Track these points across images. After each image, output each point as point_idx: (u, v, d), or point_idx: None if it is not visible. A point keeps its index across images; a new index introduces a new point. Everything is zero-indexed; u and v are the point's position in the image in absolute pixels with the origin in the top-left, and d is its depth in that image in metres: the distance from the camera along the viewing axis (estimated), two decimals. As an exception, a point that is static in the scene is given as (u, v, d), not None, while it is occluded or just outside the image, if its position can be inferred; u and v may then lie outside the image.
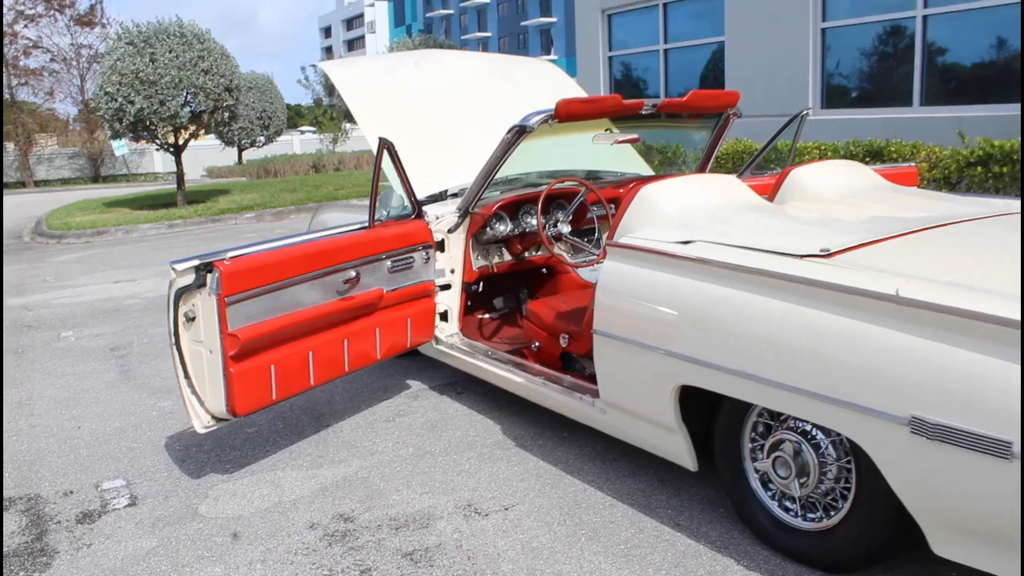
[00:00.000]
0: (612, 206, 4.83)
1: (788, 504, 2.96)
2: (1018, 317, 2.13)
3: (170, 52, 14.23)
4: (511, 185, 4.99)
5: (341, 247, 3.91)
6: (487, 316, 5.21)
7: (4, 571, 3.20)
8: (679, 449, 3.21)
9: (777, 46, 11.45)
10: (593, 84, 14.47)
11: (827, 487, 2.80)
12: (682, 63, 13.61)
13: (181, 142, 15.55)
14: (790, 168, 4.00)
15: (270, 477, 3.88)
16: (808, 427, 2.82)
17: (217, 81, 14.66)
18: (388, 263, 4.15)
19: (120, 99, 14.08)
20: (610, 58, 14.82)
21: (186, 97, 14.48)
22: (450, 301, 4.64)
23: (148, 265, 10.27)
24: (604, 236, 4.91)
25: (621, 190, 4.93)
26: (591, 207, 4.92)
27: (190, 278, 3.47)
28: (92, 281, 9.37)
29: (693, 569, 2.92)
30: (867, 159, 8.79)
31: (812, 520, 2.88)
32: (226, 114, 15.38)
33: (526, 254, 4.94)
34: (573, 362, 4.13)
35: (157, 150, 18.62)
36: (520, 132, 4.06)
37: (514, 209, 4.80)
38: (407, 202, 4.38)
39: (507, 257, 4.88)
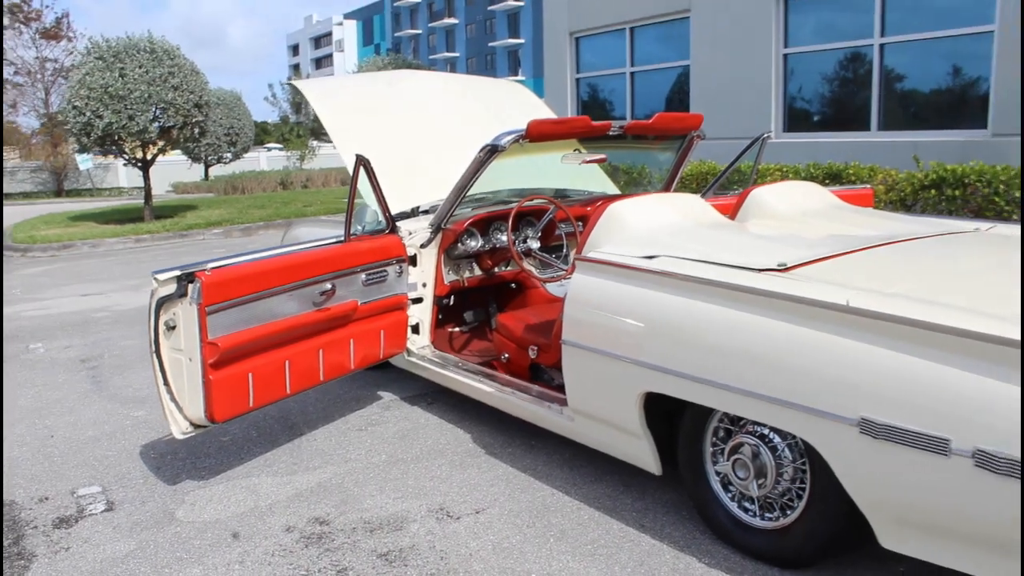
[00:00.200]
0: (580, 223, 4.99)
1: (747, 504, 3.11)
2: (957, 325, 2.30)
3: (140, 67, 14.26)
4: (482, 202, 5.13)
5: (318, 260, 4.02)
6: (457, 329, 5.34)
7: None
8: (644, 454, 3.36)
9: (740, 70, 11.74)
10: (560, 105, 14.70)
11: (783, 487, 2.96)
12: (648, 86, 13.89)
13: (149, 157, 15.54)
14: (751, 188, 4.19)
15: (245, 483, 3.97)
16: (766, 431, 2.98)
17: (187, 97, 14.70)
18: (363, 276, 4.26)
19: (88, 113, 14.07)
20: (577, 80, 15.07)
21: (155, 112, 14.50)
22: (422, 314, 4.76)
23: (116, 279, 10.27)
24: (572, 252, 5.07)
25: (589, 208, 5.09)
26: (559, 224, 5.08)
27: (171, 288, 3.57)
28: (60, 294, 9.36)
29: (657, 567, 3.05)
30: (826, 181, 9.05)
31: (770, 519, 3.03)
32: (195, 130, 15.40)
33: (496, 269, 5.08)
34: (542, 373, 4.26)
35: (125, 165, 18.57)
36: (492, 151, 4.22)
37: (485, 225, 4.94)
38: (382, 217, 4.50)
39: (477, 272, 5.02)
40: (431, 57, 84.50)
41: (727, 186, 8.08)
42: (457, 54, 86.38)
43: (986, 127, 9.29)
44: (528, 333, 4.25)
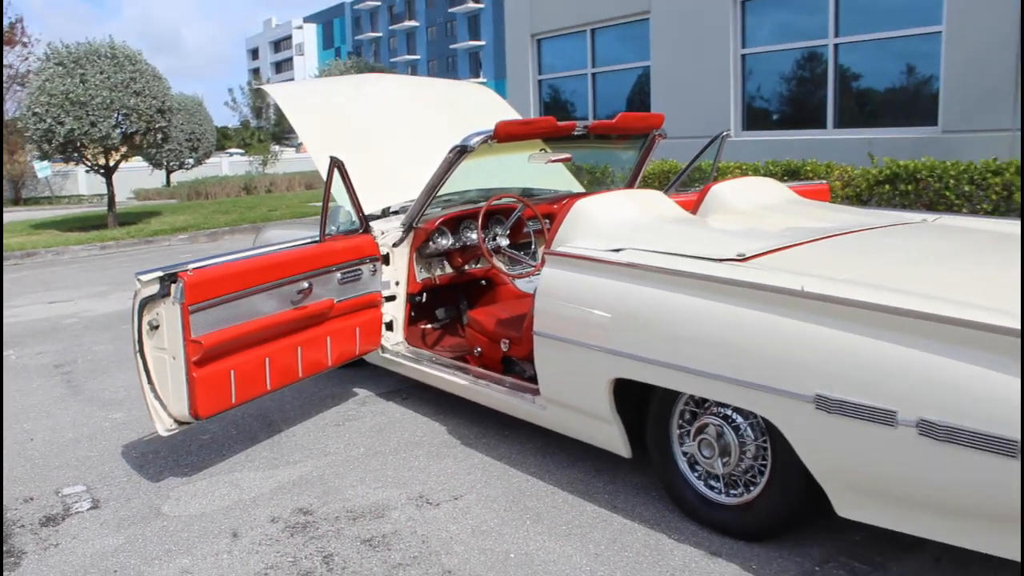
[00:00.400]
0: (547, 221, 5.15)
1: (713, 482, 3.29)
2: (901, 306, 2.49)
3: (101, 73, 14.21)
4: (452, 202, 5.27)
5: (295, 259, 4.14)
6: (430, 326, 5.47)
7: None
8: (614, 438, 3.52)
9: (700, 71, 11.98)
10: (523, 107, 14.87)
11: (746, 465, 3.14)
12: (609, 86, 14.11)
13: (112, 163, 15.48)
14: (711, 184, 4.38)
15: (228, 478, 4.07)
16: (729, 411, 3.16)
17: (150, 103, 14.68)
18: (338, 275, 4.39)
19: (49, 120, 13.99)
20: (540, 81, 15.26)
21: (118, 118, 14.46)
22: (395, 311, 4.89)
23: (83, 286, 10.26)
24: (540, 249, 5.23)
25: (555, 205, 5.25)
26: (527, 222, 5.23)
27: (154, 288, 3.68)
28: (28, 302, 9.34)
29: (629, 544, 3.22)
30: (785, 178, 9.30)
31: (734, 495, 3.21)
32: (159, 136, 15.37)
33: (466, 267, 5.22)
34: (513, 365, 4.41)
35: (87, 171, 18.43)
36: (461, 152, 4.37)
37: (455, 224, 5.09)
38: (355, 217, 4.63)
39: (448, 270, 5.16)
40: (392, 60, 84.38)
41: (689, 184, 8.29)
42: (418, 57, 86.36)
43: (936, 124, 9.60)
44: (500, 327, 4.40)
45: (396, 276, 4.85)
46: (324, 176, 4.31)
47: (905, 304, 2.50)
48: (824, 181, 7.03)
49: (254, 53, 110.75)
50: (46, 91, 14.01)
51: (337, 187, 4.39)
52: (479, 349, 4.54)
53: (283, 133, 44.35)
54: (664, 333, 3.13)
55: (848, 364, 2.59)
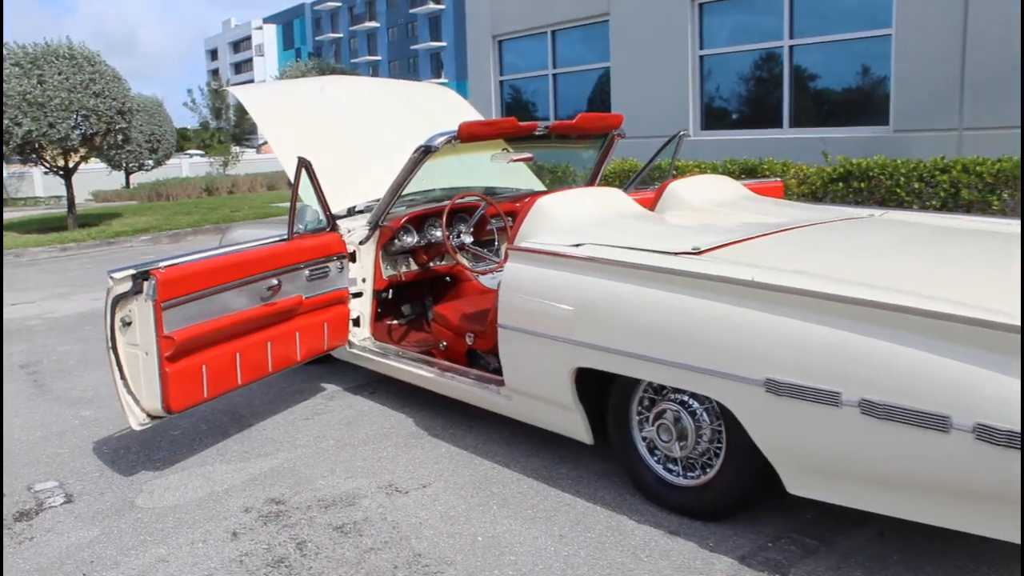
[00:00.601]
0: (509, 219, 5.28)
1: (671, 466, 3.44)
2: (845, 294, 2.66)
3: (59, 74, 14.09)
4: (416, 201, 5.38)
5: (264, 257, 4.23)
6: (396, 322, 5.58)
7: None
8: (577, 426, 3.66)
9: (659, 72, 12.18)
10: (485, 107, 14.98)
11: (703, 448, 3.30)
12: (570, 87, 14.27)
13: (72, 165, 15.36)
14: (668, 182, 4.54)
15: (201, 471, 4.15)
16: (685, 397, 3.31)
17: (109, 104, 14.58)
18: (306, 272, 4.48)
19: (6, 121, 13.86)
20: (501, 82, 15.39)
21: (77, 120, 14.36)
22: (362, 307, 4.99)
23: (45, 287, 10.21)
24: (503, 245, 5.36)
25: (518, 203, 5.38)
26: (490, 220, 5.36)
27: (127, 285, 3.75)
28: (-12, 304, 9.29)
29: (592, 526, 3.36)
30: (742, 176, 9.51)
31: (692, 477, 3.37)
32: (119, 137, 15.28)
33: (431, 264, 5.34)
34: (478, 358, 4.54)
35: (45, 173, 18.21)
36: (425, 152, 4.49)
37: (420, 222, 5.20)
38: (322, 216, 4.72)
39: (414, 267, 5.27)
40: (353, 61, 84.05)
41: (648, 182, 8.47)
42: (379, 57, 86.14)
43: (888, 124, 9.86)
44: (465, 321, 4.52)
45: (363, 273, 4.95)
46: (291, 176, 4.40)
47: (847, 292, 2.67)
48: (778, 179, 7.24)
49: (213, 54, 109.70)
50: (2, 92, 13.87)
51: (304, 187, 4.48)
52: (445, 343, 4.66)
53: (243, 134, 43.98)
54: (623, 324, 3.27)
55: (796, 349, 2.75)
